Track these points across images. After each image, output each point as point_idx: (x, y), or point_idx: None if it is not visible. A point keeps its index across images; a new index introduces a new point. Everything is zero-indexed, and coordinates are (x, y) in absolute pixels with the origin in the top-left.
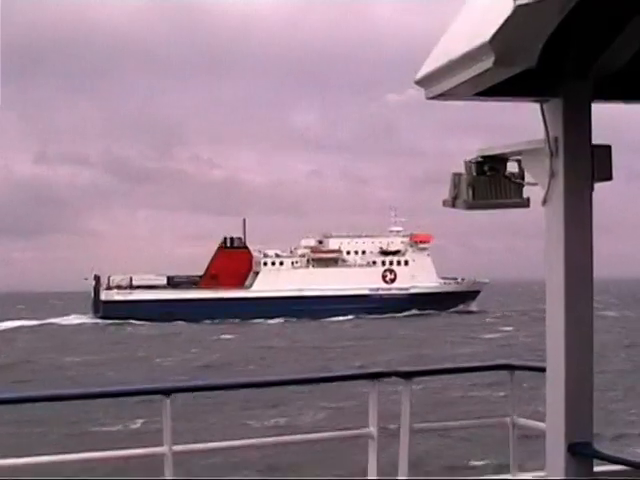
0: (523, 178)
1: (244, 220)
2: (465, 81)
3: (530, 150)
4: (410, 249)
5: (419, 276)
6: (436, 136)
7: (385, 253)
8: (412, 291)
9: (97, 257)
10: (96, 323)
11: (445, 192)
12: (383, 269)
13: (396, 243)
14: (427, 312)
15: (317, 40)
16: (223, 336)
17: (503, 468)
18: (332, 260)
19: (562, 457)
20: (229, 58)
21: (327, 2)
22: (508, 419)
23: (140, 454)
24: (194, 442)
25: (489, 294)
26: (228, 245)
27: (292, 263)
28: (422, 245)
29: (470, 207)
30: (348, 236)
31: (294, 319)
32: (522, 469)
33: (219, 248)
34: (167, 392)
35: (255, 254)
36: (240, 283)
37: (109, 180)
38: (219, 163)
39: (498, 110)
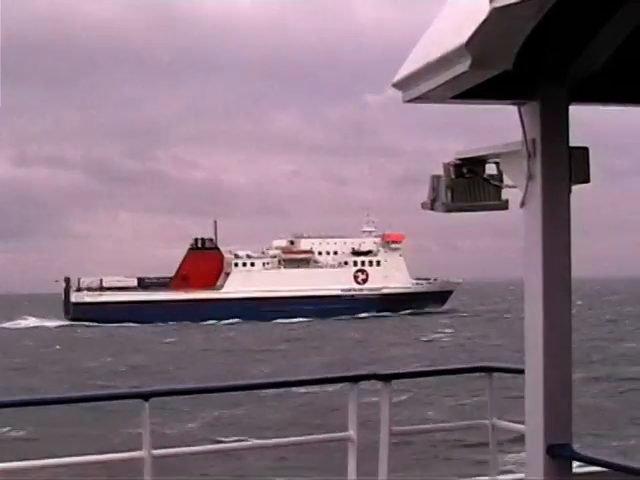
0: (502, 180)
1: (215, 222)
2: (442, 84)
3: (508, 152)
4: (382, 249)
5: (391, 276)
6: (416, 136)
7: (357, 253)
8: (384, 291)
9: (77, 259)
10: (48, 326)
11: (425, 192)
12: (355, 270)
13: (368, 243)
14: (391, 314)
15: (297, 41)
16: (167, 340)
17: (482, 470)
18: (304, 261)
19: (541, 459)
20: (210, 59)
21: (308, 2)
22: (487, 421)
23: (119, 458)
24: (173, 446)
25: (470, 293)
26: (199, 246)
27: (263, 264)
28: (394, 245)
29: (449, 210)
30: (320, 237)
31: (262, 321)
32: (501, 471)
33: (189, 249)
34: (146, 396)
35: (226, 255)
36: (211, 284)
37: (89, 182)
38: (200, 164)
39: (478, 111)
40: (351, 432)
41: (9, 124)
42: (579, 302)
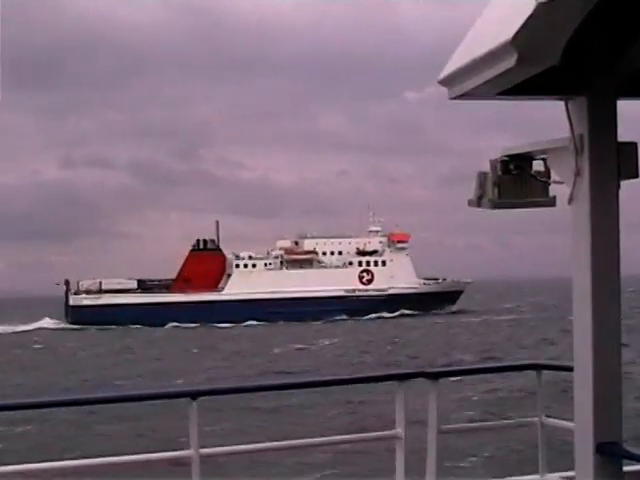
0: (549, 176)
1: (217, 222)
2: (488, 81)
3: (556, 148)
4: (388, 249)
5: (397, 277)
6: (463, 133)
7: (362, 253)
8: (390, 292)
9: (129, 259)
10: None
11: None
12: (359, 270)
13: (373, 243)
14: (400, 314)
15: (337, 39)
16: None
17: (532, 468)
18: (307, 261)
19: (591, 457)
20: (252, 59)
21: (347, 0)
22: (536, 419)
23: (167, 457)
24: (221, 445)
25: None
26: (200, 247)
27: (265, 265)
28: (400, 245)
29: (496, 206)
30: (324, 237)
31: (266, 322)
32: (551, 469)
33: (191, 250)
34: (194, 395)
35: (228, 256)
36: (213, 286)
37: (136, 183)
38: (246, 164)
39: (526, 106)
40: (399, 430)
41: (55, 126)
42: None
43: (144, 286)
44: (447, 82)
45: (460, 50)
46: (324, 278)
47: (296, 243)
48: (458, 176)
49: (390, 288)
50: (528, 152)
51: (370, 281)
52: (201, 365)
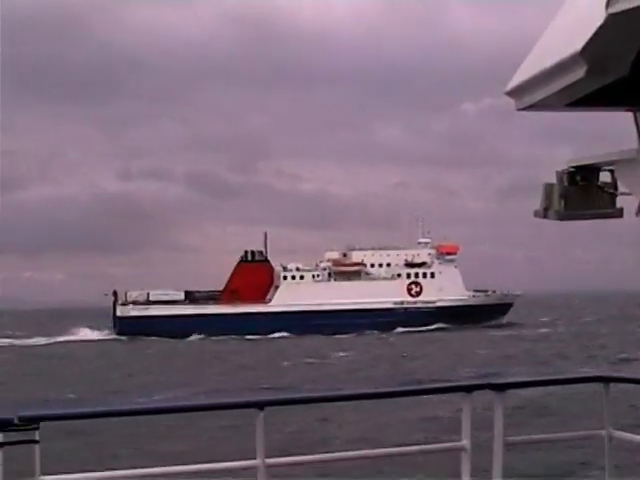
0: (616, 188)
1: (265, 233)
2: (557, 92)
3: (623, 160)
4: (437, 261)
5: (446, 289)
6: (522, 144)
7: (410, 265)
8: (438, 304)
9: (186, 271)
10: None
11: (533, 202)
12: (408, 282)
13: (422, 255)
14: (451, 326)
15: (393, 50)
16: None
17: None
18: (355, 273)
19: None
20: (306, 70)
21: (404, 11)
22: (604, 432)
23: (233, 467)
24: (288, 455)
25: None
26: (249, 259)
27: (313, 276)
28: (449, 257)
29: (562, 218)
30: (373, 248)
31: (315, 334)
32: None
33: (239, 262)
34: (261, 405)
35: (277, 268)
36: (261, 297)
37: (194, 195)
38: (303, 176)
39: (587, 118)
40: (465, 442)
41: (114, 139)
42: None
43: (192, 297)
44: (515, 93)
45: (528, 61)
46: (372, 290)
47: (344, 255)
48: (516, 188)
49: (439, 300)
50: (595, 163)
51: (419, 293)
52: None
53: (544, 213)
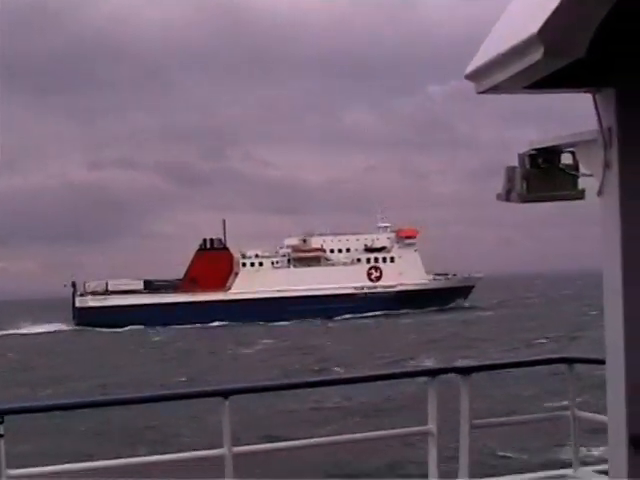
0: (578, 170)
1: (224, 221)
2: (515, 74)
3: (584, 141)
4: (396, 245)
5: (406, 273)
6: (490, 127)
7: (370, 250)
8: (398, 289)
9: (161, 260)
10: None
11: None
12: (368, 267)
13: (382, 240)
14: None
15: (364, 36)
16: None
17: (565, 462)
18: (314, 259)
19: (624, 450)
20: (277, 58)
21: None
22: (569, 412)
23: (200, 456)
24: (254, 443)
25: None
26: (207, 247)
27: (272, 263)
28: (409, 241)
29: (524, 200)
30: (332, 234)
31: (276, 321)
32: (584, 463)
33: (198, 250)
34: (226, 394)
35: (236, 255)
36: (221, 285)
37: (165, 183)
38: (274, 162)
39: (553, 99)
40: (431, 426)
41: (84, 128)
42: None
43: (152, 287)
44: (474, 77)
45: (486, 44)
46: (332, 276)
47: (304, 241)
48: (486, 170)
49: (399, 285)
50: (556, 145)
51: (379, 278)
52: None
53: (506, 196)
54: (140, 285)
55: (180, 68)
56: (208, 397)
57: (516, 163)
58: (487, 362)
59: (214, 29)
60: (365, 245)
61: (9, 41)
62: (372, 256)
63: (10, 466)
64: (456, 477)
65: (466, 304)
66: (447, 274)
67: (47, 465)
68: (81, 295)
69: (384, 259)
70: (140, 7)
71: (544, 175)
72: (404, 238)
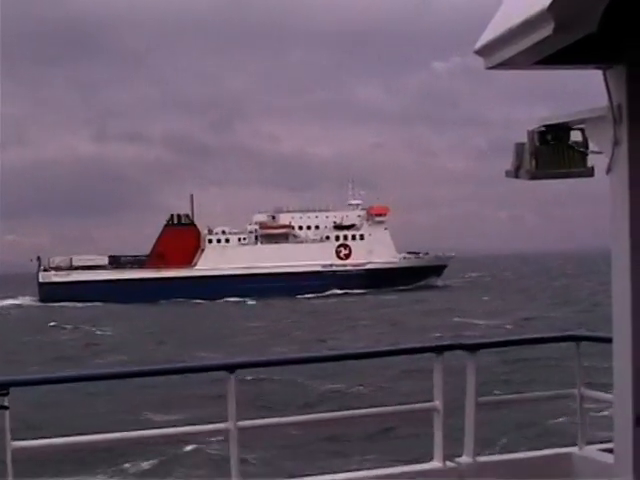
0: (587, 147)
1: (191, 195)
2: (525, 49)
3: (594, 118)
4: (366, 223)
5: (376, 251)
6: (501, 104)
7: (339, 228)
8: (368, 267)
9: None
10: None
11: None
12: (337, 244)
13: (351, 217)
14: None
15: (368, 10)
16: None
17: (570, 440)
18: (282, 236)
19: (630, 429)
20: (282, 32)
21: None
22: (575, 390)
23: (205, 430)
24: (258, 418)
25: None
26: (175, 222)
27: (239, 240)
28: (379, 218)
29: (533, 177)
30: (301, 210)
31: (241, 298)
32: (589, 441)
33: (165, 226)
34: (231, 368)
35: (203, 231)
36: (188, 262)
37: (172, 157)
38: (281, 136)
39: (564, 76)
40: (437, 402)
41: (88, 101)
42: None
43: (117, 262)
44: (483, 52)
45: (496, 19)
46: (300, 253)
47: (273, 217)
48: (494, 147)
49: (368, 263)
50: (566, 122)
51: (348, 256)
52: None
53: (515, 173)
54: (105, 260)
55: (185, 40)
56: (213, 371)
57: (525, 140)
58: (494, 340)
59: (220, 1)
60: (334, 222)
61: (14, 12)
62: (341, 234)
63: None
64: (461, 454)
65: (439, 283)
66: (419, 252)
67: (51, 437)
68: (44, 270)
69: (353, 237)
70: None
71: (553, 152)
72: (374, 216)
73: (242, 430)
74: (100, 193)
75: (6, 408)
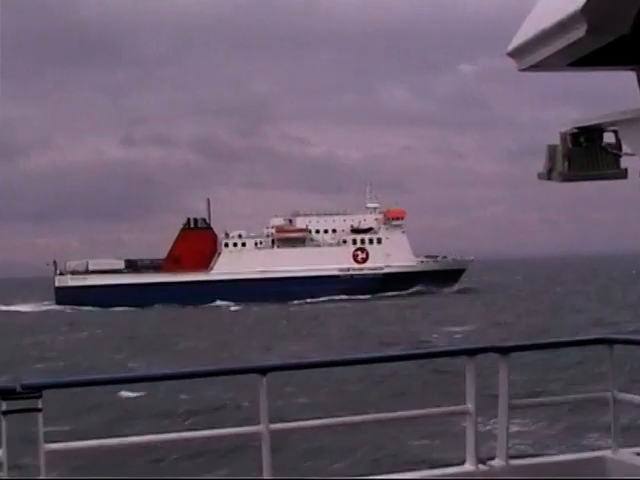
0: (620, 148)
1: (208, 200)
2: (557, 51)
3: (627, 120)
4: (384, 226)
5: (393, 255)
6: (530, 106)
7: (357, 231)
8: (385, 271)
9: None
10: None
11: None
12: (354, 248)
13: (369, 220)
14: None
15: (395, 13)
16: None
17: (604, 444)
18: (299, 240)
19: None
20: (309, 34)
21: None
22: (609, 394)
23: (237, 433)
24: (291, 420)
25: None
26: (191, 226)
27: (256, 244)
28: (396, 222)
29: (566, 179)
30: (318, 214)
31: (255, 302)
32: (623, 444)
33: (182, 229)
34: (263, 371)
35: (220, 235)
36: (204, 265)
37: (200, 160)
38: (311, 140)
39: (595, 77)
40: (469, 405)
41: (116, 105)
42: None
43: (134, 266)
44: (516, 54)
45: (529, 21)
46: (316, 257)
47: (290, 221)
48: (523, 149)
49: (386, 267)
50: (599, 124)
51: (365, 260)
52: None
53: (548, 175)
54: (121, 265)
55: (211, 44)
56: (245, 374)
57: (556, 142)
58: (527, 342)
59: (243, 4)
60: (351, 226)
61: (43, 17)
62: (358, 237)
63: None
64: (494, 457)
65: (456, 287)
66: (437, 256)
67: (83, 439)
68: (60, 274)
69: (371, 240)
70: None
71: (586, 154)
72: (392, 219)
73: (274, 432)
74: (128, 197)
75: (39, 410)
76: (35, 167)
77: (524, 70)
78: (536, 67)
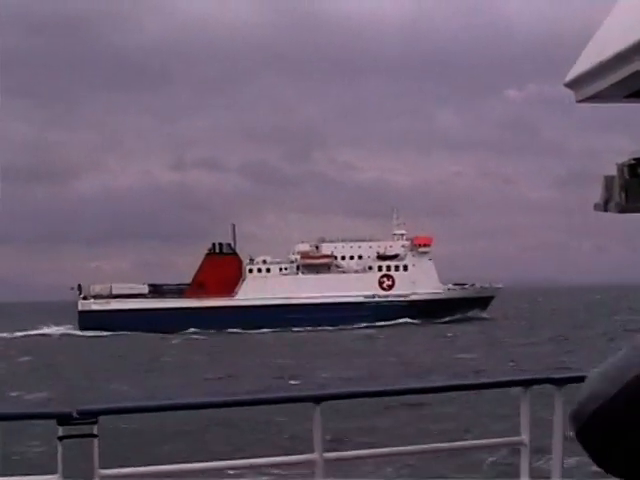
0: None
1: (233, 225)
2: (616, 83)
3: None
4: (410, 253)
5: (420, 282)
6: (579, 134)
7: (383, 258)
8: (411, 298)
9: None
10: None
11: (591, 192)
12: (380, 275)
13: (395, 247)
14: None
15: (441, 36)
16: None
17: None
18: (324, 266)
19: None
20: (356, 59)
21: None
22: None
23: (291, 461)
24: (345, 450)
25: None
26: (217, 251)
27: (280, 270)
28: (423, 249)
29: (623, 210)
30: (344, 240)
31: (279, 329)
32: None
33: (207, 254)
34: (317, 399)
35: (245, 261)
36: (229, 291)
37: (250, 185)
38: (361, 166)
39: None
40: (524, 437)
41: (165, 129)
42: None
43: (158, 291)
44: (574, 85)
45: (588, 51)
46: (341, 283)
47: (316, 247)
48: (575, 177)
49: (412, 294)
50: None
51: (391, 287)
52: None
53: (604, 206)
54: (145, 289)
55: (260, 69)
56: (299, 402)
57: (608, 172)
58: (582, 373)
59: (290, 28)
60: (378, 252)
61: (95, 41)
62: (384, 264)
63: (103, 466)
64: None
65: (484, 315)
66: (465, 284)
67: (138, 466)
68: (84, 298)
69: (397, 267)
70: (221, 9)
71: None
72: (419, 246)
73: (328, 462)
74: (178, 220)
75: (95, 436)
76: (86, 191)
77: (582, 101)
78: (593, 98)
